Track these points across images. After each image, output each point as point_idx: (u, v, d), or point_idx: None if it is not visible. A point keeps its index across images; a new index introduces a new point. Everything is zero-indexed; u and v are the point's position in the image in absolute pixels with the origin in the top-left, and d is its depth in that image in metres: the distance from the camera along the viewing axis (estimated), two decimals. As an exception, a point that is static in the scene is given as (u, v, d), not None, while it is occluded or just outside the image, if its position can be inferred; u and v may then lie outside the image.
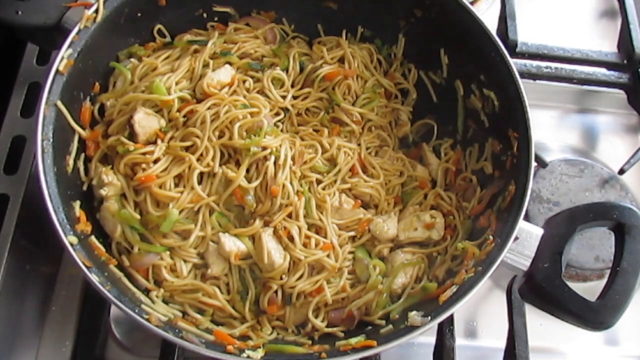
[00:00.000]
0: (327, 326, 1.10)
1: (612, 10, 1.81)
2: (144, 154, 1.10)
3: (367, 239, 1.18)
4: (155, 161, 1.10)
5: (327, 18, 1.36)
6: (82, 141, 1.12)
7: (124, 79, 1.19)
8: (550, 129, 1.61)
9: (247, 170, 1.12)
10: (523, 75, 1.45)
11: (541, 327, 1.29)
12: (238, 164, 1.13)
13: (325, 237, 1.14)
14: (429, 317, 0.97)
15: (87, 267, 0.94)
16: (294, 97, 1.28)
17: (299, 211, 1.13)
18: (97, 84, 1.17)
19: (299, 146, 1.19)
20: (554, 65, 1.53)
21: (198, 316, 1.07)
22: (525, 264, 1.02)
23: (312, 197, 1.16)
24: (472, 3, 1.53)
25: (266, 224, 1.12)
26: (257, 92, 1.24)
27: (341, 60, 1.32)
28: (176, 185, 1.11)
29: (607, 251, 1.34)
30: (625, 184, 1.46)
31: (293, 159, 1.15)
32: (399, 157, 1.30)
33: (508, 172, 1.12)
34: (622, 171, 1.45)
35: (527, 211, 1.17)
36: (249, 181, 1.11)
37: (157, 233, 1.08)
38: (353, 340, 1.00)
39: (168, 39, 1.28)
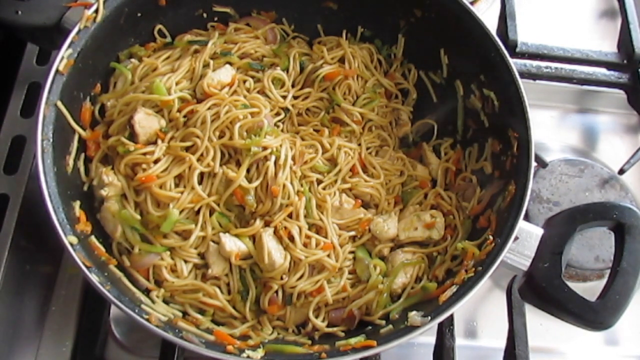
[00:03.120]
0: (327, 326, 1.10)
1: (612, 10, 1.81)
2: (144, 154, 1.10)
3: (368, 239, 1.18)
4: (156, 161, 1.10)
5: (327, 18, 1.36)
6: (82, 141, 1.12)
7: (125, 80, 1.19)
8: (550, 129, 1.61)
9: (248, 170, 1.12)
10: (523, 75, 1.45)
11: (541, 327, 1.30)
12: (238, 164, 1.13)
13: (326, 237, 1.14)
14: (429, 317, 0.97)
15: (87, 267, 0.94)
16: (295, 97, 1.28)
17: (300, 211, 1.13)
18: (97, 84, 1.17)
19: (300, 146, 1.19)
20: (554, 65, 1.53)
21: (199, 316, 1.07)
22: (525, 264, 1.02)
23: (313, 197, 1.16)
24: (472, 3, 1.53)
25: (267, 224, 1.12)
26: (258, 92, 1.24)
27: (341, 60, 1.32)
28: (176, 185, 1.11)
29: (607, 251, 1.34)
30: (625, 184, 1.46)
31: (293, 159, 1.15)
32: (399, 156, 1.30)
33: (508, 172, 1.12)
34: (622, 171, 1.45)
35: (527, 211, 1.17)
36: (250, 181, 1.11)
37: (158, 233, 1.08)
38: (353, 340, 1.00)
39: (168, 39, 1.28)
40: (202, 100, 1.17)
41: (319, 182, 1.19)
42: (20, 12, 1.16)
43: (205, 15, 1.31)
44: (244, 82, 1.25)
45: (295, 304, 1.11)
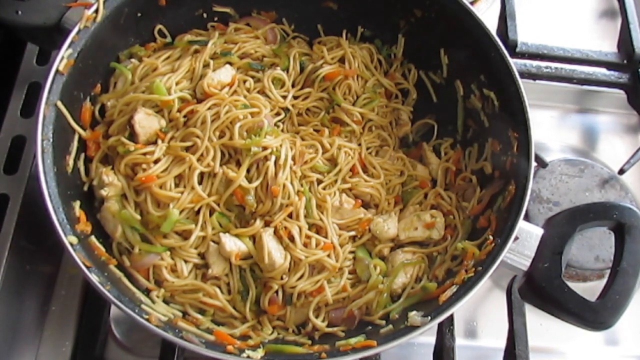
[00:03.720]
0: (327, 326, 1.10)
1: (612, 10, 1.81)
2: (144, 154, 1.10)
3: (368, 239, 1.18)
4: (156, 161, 1.10)
5: (327, 18, 1.36)
6: (82, 141, 1.12)
7: (125, 80, 1.19)
8: (550, 129, 1.61)
9: (248, 170, 1.12)
10: (523, 75, 1.45)
11: (541, 327, 1.30)
12: (238, 164, 1.13)
13: (326, 237, 1.14)
14: (429, 317, 0.97)
15: (87, 267, 0.94)
16: (295, 97, 1.28)
17: (300, 211, 1.13)
18: (98, 84, 1.17)
19: (300, 146, 1.19)
20: (554, 65, 1.53)
21: (199, 316, 1.07)
22: (525, 264, 1.02)
23: (313, 197, 1.16)
24: (472, 3, 1.53)
25: (267, 224, 1.12)
26: (258, 92, 1.24)
27: (341, 60, 1.32)
28: (176, 185, 1.11)
29: (607, 251, 1.34)
30: (625, 184, 1.46)
31: (293, 158, 1.15)
32: (400, 156, 1.30)
33: (508, 172, 1.12)
34: (622, 171, 1.45)
35: (527, 211, 1.17)
36: (250, 181, 1.11)
37: (158, 233, 1.08)
38: (353, 340, 1.00)
39: (168, 39, 1.28)
40: (202, 100, 1.17)
41: (319, 182, 1.19)
42: (20, 12, 1.16)
43: (205, 15, 1.31)
44: (244, 82, 1.25)
45: (295, 304, 1.11)
